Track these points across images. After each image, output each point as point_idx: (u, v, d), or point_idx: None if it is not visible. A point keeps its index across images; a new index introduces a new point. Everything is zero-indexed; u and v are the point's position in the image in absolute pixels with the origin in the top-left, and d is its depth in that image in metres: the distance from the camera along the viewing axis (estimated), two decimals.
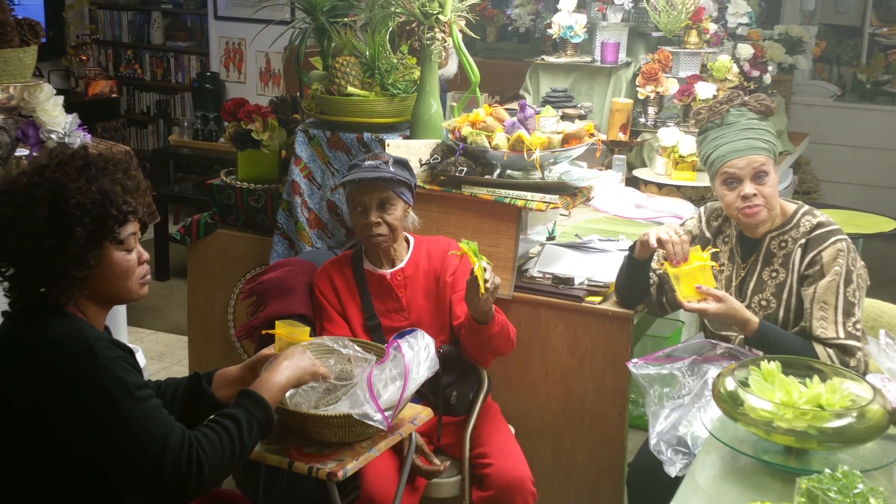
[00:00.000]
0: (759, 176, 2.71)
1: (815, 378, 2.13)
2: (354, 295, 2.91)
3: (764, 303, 2.79)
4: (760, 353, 2.76)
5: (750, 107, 2.78)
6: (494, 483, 2.78)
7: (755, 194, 2.71)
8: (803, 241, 2.75)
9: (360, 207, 2.85)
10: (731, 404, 2.10)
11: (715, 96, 4.33)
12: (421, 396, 2.82)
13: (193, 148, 7.34)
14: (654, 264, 2.99)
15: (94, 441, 1.91)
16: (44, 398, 1.90)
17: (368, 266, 2.95)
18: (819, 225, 2.75)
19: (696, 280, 2.68)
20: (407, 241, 2.99)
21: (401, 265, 2.94)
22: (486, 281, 2.61)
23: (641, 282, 2.99)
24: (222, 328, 3.89)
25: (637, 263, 2.94)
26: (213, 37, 7.62)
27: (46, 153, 2.07)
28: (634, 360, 2.75)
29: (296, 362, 2.26)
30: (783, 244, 2.78)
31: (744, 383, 2.13)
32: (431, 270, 2.96)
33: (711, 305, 2.67)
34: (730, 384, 2.14)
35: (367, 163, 2.86)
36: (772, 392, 2.09)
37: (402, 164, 2.91)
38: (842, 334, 2.65)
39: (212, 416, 2.10)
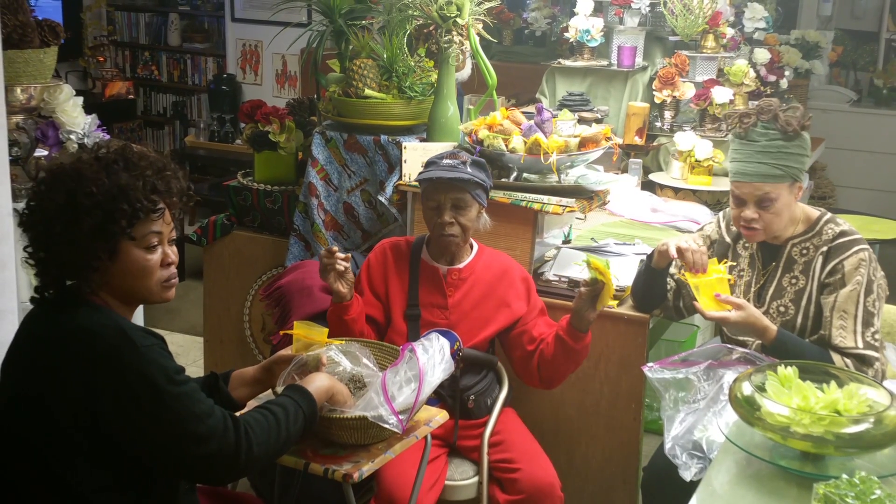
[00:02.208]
0: (761, 202, 2.69)
1: (833, 383, 2.13)
2: (403, 280, 2.91)
3: (782, 309, 2.79)
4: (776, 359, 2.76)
5: (779, 123, 2.68)
6: (524, 488, 2.79)
7: (755, 218, 2.70)
8: (825, 248, 2.73)
9: (435, 205, 2.84)
10: (747, 409, 2.09)
11: (731, 101, 4.32)
12: (439, 398, 2.83)
13: (209, 149, 7.37)
14: (671, 269, 2.99)
15: (138, 428, 1.94)
16: (85, 390, 1.92)
17: (426, 256, 2.95)
18: (842, 234, 2.74)
19: (715, 290, 2.68)
20: (471, 244, 2.99)
21: (459, 265, 2.94)
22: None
23: (659, 289, 2.98)
24: (238, 329, 3.91)
25: (655, 272, 2.94)
26: (229, 39, 7.65)
27: (91, 146, 2.10)
28: (650, 364, 2.74)
29: (336, 381, 2.34)
30: (805, 251, 2.77)
31: (760, 388, 2.12)
32: (487, 282, 2.94)
33: (732, 314, 2.66)
34: (746, 389, 2.13)
35: (446, 161, 2.85)
36: (789, 397, 2.08)
37: (479, 165, 2.90)
38: (860, 344, 2.64)
39: (259, 404, 2.16)
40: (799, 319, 2.76)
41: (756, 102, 2.89)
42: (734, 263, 2.86)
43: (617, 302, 3.12)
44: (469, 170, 2.83)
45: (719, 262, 2.75)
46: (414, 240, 3.01)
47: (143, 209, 2.01)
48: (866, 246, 2.72)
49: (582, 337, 2.78)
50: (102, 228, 1.97)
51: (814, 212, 2.81)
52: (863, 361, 2.64)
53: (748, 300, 2.80)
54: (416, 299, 2.90)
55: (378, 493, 2.66)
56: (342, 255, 2.70)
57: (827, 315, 2.69)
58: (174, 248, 2.12)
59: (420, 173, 2.89)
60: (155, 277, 2.06)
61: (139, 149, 2.10)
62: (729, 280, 2.73)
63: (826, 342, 2.69)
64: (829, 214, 2.80)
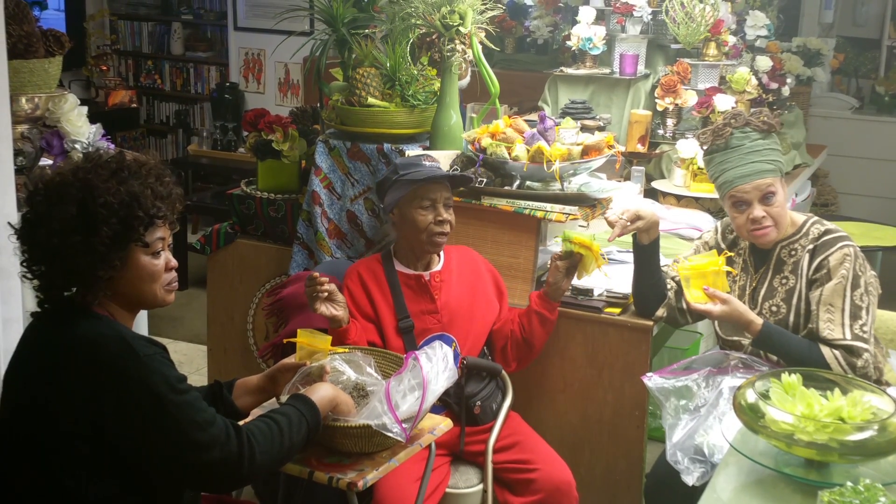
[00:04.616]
0: (766, 198, 2.77)
1: (836, 391, 2.14)
2: (387, 295, 2.91)
3: (774, 308, 2.83)
4: (773, 360, 2.80)
5: (753, 126, 2.80)
6: (542, 487, 2.83)
7: (764, 216, 2.76)
8: (811, 247, 2.80)
9: (428, 203, 2.86)
10: (751, 417, 2.10)
11: (734, 108, 4.33)
12: (445, 406, 2.84)
13: (212, 158, 7.39)
14: (671, 272, 3.01)
15: (142, 437, 1.95)
16: (88, 399, 1.93)
17: (401, 268, 2.96)
18: (827, 232, 2.81)
19: (707, 282, 2.74)
20: None
21: (437, 268, 2.97)
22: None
23: (651, 278, 3.00)
24: (241, 337, 3.91)
25: (641, 257, 2.98)
26: (232, 47, 7.67)
27: (84, 155, 2.11)
28: (649, 374, 2.78)
29: (340, 391, 2.35)
30: (793, 252, 2.83)
31: (764, 396, 2.13)
32: (465, 278, 2.99)
33: (717, 307, 2.73)
34: (750, 396, 2.14)
35: (427, 163, 2.90)
36: (793, 404, 2.09)
37: None
38: (848, 335, 2.68)
39: (263, 413, 2.17)
40: (791, 317, 2.80)
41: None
42: (732, 254, 2.90)
43: (619, 310, 3.13)
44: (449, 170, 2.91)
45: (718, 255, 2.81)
46: (381, 255, 3.00)
47: (156, 215, 2.04)
48: (851, 243, 2.78)
49: (556, 307, 3.01)
50: (119, 236, 1.99)
51: (800, 216, 2.88)
52: (851, 352, 2.67)
53: (743, 303, 2.84)
54: (405, 311, 2.90)
55: (374, 502, 2.65)
56: (324, 279, 2.70)
57: (814, 309, 2.74)
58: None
59: (410, 174, 2.84)
60: (160, 282, 2.09)
61: (133, 155, 2.12)
62: (729, 272, 2.80)
63: (814, 335, 2.73)
64: (814, 217, 2.87)
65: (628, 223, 2.94)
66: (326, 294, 2.70)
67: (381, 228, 3.54)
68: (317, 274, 2.71)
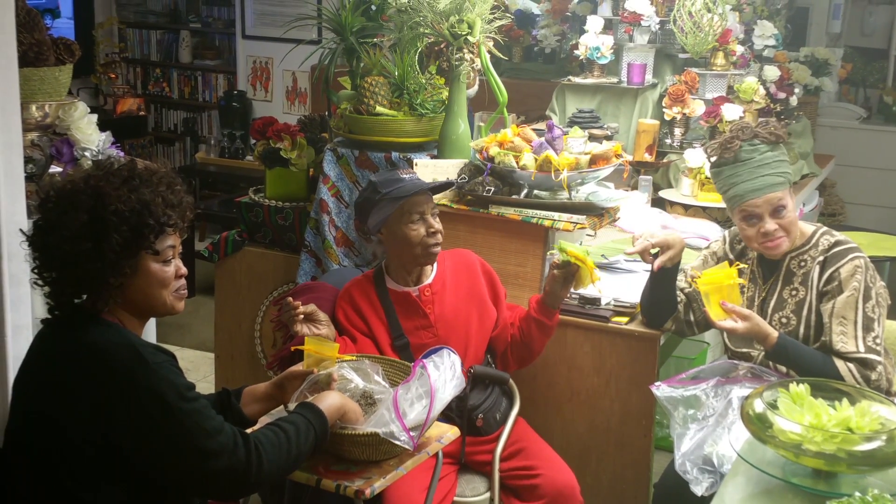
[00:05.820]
0: (777, 211, 2.75)
1: (844, 401, 2.13)
2: (380, 314, 2.90)
3: (784, 320, 2.82)
4: (783, 370, 2.79)
5: (761, 138, 2.78)
6: (545, 492, 2.82)
7: (776, 229, 2.75)
8: (822, 258, 2.78)
9: (417, 216, 2.83)
10: (759, 426, 2.10)
11: (741, 118, 4.33)
12: (447, 419, 2.81)
13: (220, 165, 7.41)
14: (681, 283, 3.01)
15: (150, 444, 1.96)
16: (97, 406, 1.94)
17: (392, 284, 2.94)
18: (837, 243, 2.79)
19: (723, 296, 2.72)
20: None
21: (427, 281, 2.94)
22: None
23: (665, 296, 2.99)
24: (249, 345, 3.92)
25: (659, 278, 2.96)
26: (240, 56, 7.70)
27: (95, 163, 2.12)
28: (657, 383, 2.77)
29: (348, 399, 2.36)
30: (802, 263, 2.81)
31: (772, 405, 2.13)
32: (461, 285, 2.96)
33: (740, 324, 2.70)
34: (758, 406, 2.14)
35: (407, 176, 2.88)
36: (801, 414, 2.09)
37: None
38: (862, 348, 2.67)
39: (271, 421, 2.18)
40: (801, 329, 2.79)
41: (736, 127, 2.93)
42: (745, 265, 2.89)
43: (627, 319, 3.13)
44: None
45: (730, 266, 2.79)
46: (373, 274, 2.98)
47: (166, 223, 2.05)
48: (862, 254, 2.77)
49: (555, 313, 2.94)
50: (130, 244, 2.00)
51: (809, 227, 2.87)
52: (865, 365, 2.66)
53: None
54: (399, 329, 2.89)
55: None
56: (297, 303, 2.69)
57: (826, 322, 2.73)
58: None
59: (394, 191, 2.81)
60: (170, 289, 2.10)
61: (144, 164, 2.13)
62: (741, 284, 2.78)
63: (828, 348, 2.72)
64: (824, 228, 2.86)
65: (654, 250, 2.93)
66: (303, 316, 2.70)
67: (369, 248, 3.51)
68: (290, 299, 2.71)
